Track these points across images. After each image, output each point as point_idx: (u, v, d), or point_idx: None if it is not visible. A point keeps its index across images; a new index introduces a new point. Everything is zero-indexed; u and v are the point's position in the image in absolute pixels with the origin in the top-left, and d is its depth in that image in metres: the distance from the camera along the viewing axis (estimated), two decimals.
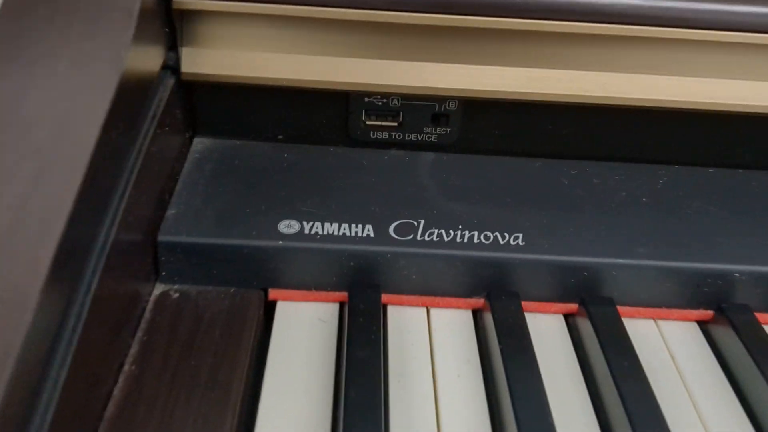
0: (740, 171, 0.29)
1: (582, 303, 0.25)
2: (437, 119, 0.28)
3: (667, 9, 0.25)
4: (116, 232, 0.20)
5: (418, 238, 0.25)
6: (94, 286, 0.19)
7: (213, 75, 0.26)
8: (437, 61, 0.27)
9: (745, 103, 0.27)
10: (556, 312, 0.25)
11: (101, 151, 0.19)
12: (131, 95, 0.21)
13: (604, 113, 0.28)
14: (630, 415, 0.21)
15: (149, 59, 0.23)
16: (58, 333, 0.18)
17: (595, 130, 0.28)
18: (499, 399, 0.22)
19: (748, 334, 0.24)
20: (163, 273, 0.24)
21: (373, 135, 0.29)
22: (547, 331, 0.25)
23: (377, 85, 0.27)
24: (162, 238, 0.24)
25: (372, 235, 0.25)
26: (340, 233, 0.25)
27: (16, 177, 0.18)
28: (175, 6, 0.24)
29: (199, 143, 0.28)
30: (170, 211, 0.25)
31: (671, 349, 0.25)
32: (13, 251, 0.16)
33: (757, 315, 0.25)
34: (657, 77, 0.27)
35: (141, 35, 0.22)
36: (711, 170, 0.29)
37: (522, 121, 0.28)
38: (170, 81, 0.26)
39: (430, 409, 0.22)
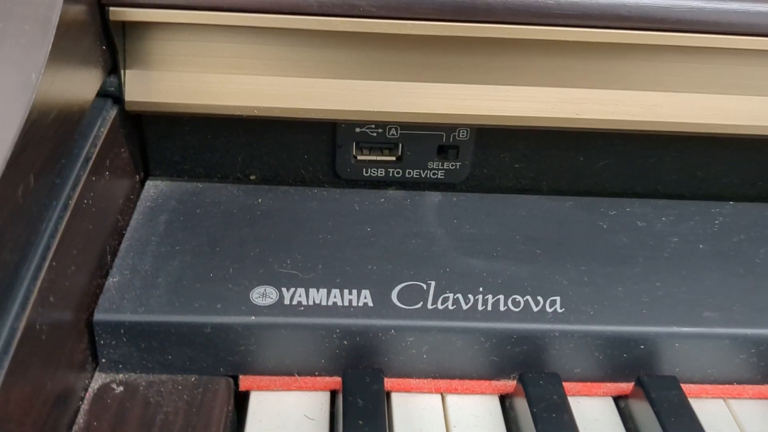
0: None
1: (639, 383, 0.19)
2: (445, 152, 0.23)
3: (734, 12, 0.20)
4: (28, 316, 0.15)
5: (429, 306, 0.19)
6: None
7: (166, 104, 0.21)
8: (444, 82, 0.22)
9: None
10: (605, 394, 0.20)
11: (32, 206, 0.14)
12: (48, 133, 0.16)
13: (649, 141, 0.23)
14: None
15: (78, 85, 0.18)
16: None
17: (637, 162, 0.23)
18: None
19: None
20: (103, 360, 0.19)
21: (367, 172, 0.24)
22: (596, 417, 0.20)
23: (370, 112, 0.22)
24: (99, 317, 0.18)
25: (370, 303, 0.19)
26: (330, 303, 0.19)
27: None
28: (113, 17, 0.19)
29: (152, 187, 0.23)
30: (111, 279, 0.19)
31: None
32: None
33: None
34: (712, 97, 0.22)
35: (63, 54, 0.17)
36: None
37: (549, 152, 0.23)
38: (111, 112, 0.20)
39: None
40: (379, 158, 0.23)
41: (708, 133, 0.22)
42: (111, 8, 0.19)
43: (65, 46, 0.17)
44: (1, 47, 0.15)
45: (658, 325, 0.19)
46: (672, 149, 0.23)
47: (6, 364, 0.15)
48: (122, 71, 0.20)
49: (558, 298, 0.20)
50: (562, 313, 0.20)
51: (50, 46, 0.16)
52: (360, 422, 0.18)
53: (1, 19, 0.16)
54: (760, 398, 0.21)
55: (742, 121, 0.22)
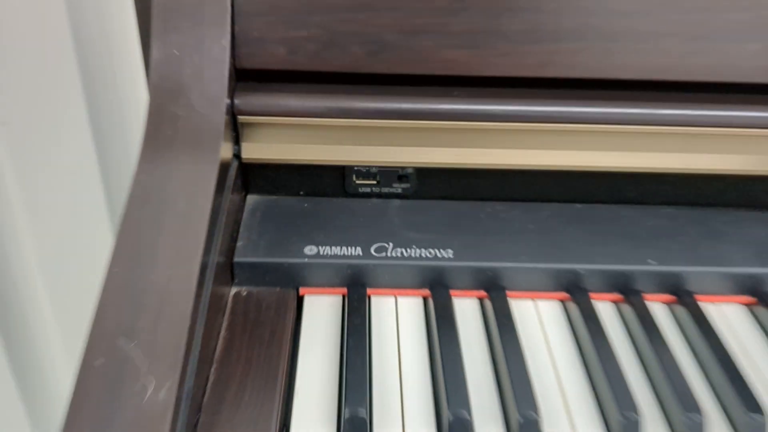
0: (599, 205, 0.46)
1: (486, 290, 0.41)
2: (401, 178, 0.45)
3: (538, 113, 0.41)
4: (217, 258, 0.37)
5: (389, 254, 0.41)
6: (210, 289, 0.35)
7: (260, 159, 0.43)
8: (399, 146, 0.43)
9: (592, 165, 0.43)
10: (472, 297, 0.41)
11: (214, 209, 0.35)
12: (222, 173, 0.38)
13: (511, 174, 0.44)
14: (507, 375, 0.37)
15: (228, 152, 0.40)
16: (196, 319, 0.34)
17: (503, 184, 0.45)
18: (434, 361, 0.38)
19: (585, 308, 0.40)
20: (236, 280, 0.40)
21: (360, 189, 0.45)
22: (467, 310, 0.41)
23: (363, 161, 0.43)
24: (236, 259, 0.40)
25: (360, 254, 0.41)
26: (341, 253, 0.41)
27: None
28: (239, 120, 0.41)
29: (251, 199, 0.45)
30: (239, 243, 0.41)
31: (542, 319, 0.41)
32: (179, 257, 0.33)
33: (595, 295, 0.41)
34: (547, 151, 0.43)
35: (225, 141, 0.38)
36: (578, 206, 0.46)
37: (456, 179, 0.45)
38: (236, 163, 0.42)
39: (394, 371, 0.37)
40: (367, 182, 0.45)
41: (539, 170, 0.43)
42: (239, 116, 0.41)
43: (225, 139, 0.38)
44: (202, 148, 0.37)
45: (498, 262, 0.41)
46: (522, 177, 0.44)
47: (212, 279, 0.36)
48: (241, 143, 0.42)
49: (451, 250, 0.41)
50: (452, 257, 0.41)
51: (222, 140, 0.37)
52: (355, 306, 0.39)
53: (197, 135, 0.37)
54: (551, 299, 0.42)
55: (550, 164, 0.43)
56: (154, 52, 0.38)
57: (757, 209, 0.46)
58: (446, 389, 0.33)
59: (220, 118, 0.38)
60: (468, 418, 0.32)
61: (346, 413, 0.32)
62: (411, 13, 0.40)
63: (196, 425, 0.31)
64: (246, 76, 0.41)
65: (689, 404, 0.33)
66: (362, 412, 0.32)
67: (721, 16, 0.41)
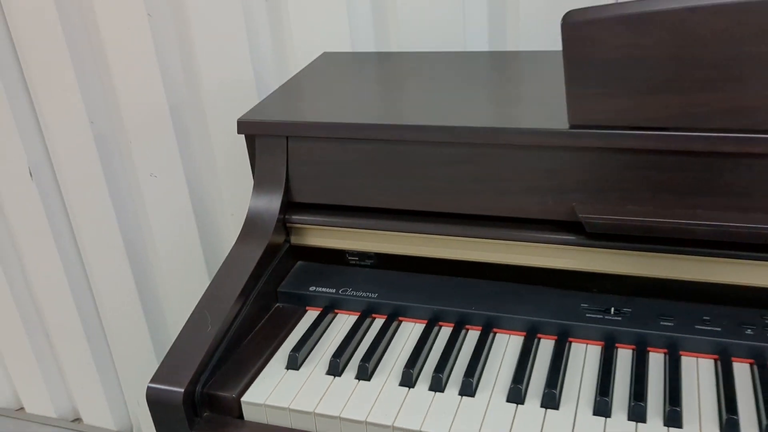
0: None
1: (389, 316, 0.81)
2: (369, 257, 0.87)
3: None
4: (261, 288, 0.82)
5: (348, 293, 0.83)
6: (251, 303, 0.81)
7: (301, 245, 0.88)
8: (366, 241, 0.86)
9: None
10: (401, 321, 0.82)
11: (258, 267, 0.81)
12: (272, 250, 0.84)
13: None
14: None
15: (281, 241, 0.86)
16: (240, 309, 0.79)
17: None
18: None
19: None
20: (279, 300, 0.85)
21: (350, 261, 0.88)
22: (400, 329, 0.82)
23: (351, 248, 0.87)
24: (279, 289, 0.85)
25: (333, 291, 0.84)
26: (327, 291, 0.84)
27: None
28: (287, 224, 0.87)
29: (297, 264, 0.90)
30: (283, 282, 0.86)
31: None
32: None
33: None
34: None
35: (275, 236, 0.84)
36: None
37: (399, 261, 0.86)
38: (287, 246, 0.88)
39: None
40: (352, 258, 0.88)
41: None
42: (287, 224, 0.87)
43: (274, 236, 0.85)
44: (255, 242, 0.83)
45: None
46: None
47: (254, 297, 0.81)
48: (290, 236, 0.88)
49: (377, 294, 0.82)
50: (375, 297, 0.82)
51: (270, 237, 0.83)
52: (323, 317, 0.82)
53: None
54: None
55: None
56: (252, 201, 0.86)
57: None
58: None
59: (272, 225, 0.84)
60: None
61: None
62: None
63: (231, 349, 0.77)
64: (295, 204, 0.87)
65: None
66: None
67: None
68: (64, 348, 1.69)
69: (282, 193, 0.85)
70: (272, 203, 0.85)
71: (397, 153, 0.80)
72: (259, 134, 0.85)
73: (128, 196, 1.43)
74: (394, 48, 1.15)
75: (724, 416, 0.63)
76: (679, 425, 0.63)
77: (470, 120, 0.77)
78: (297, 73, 1.00)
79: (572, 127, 0.73)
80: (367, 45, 1.16)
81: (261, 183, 0.85)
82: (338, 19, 1.14)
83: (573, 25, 0.70)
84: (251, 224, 0.84)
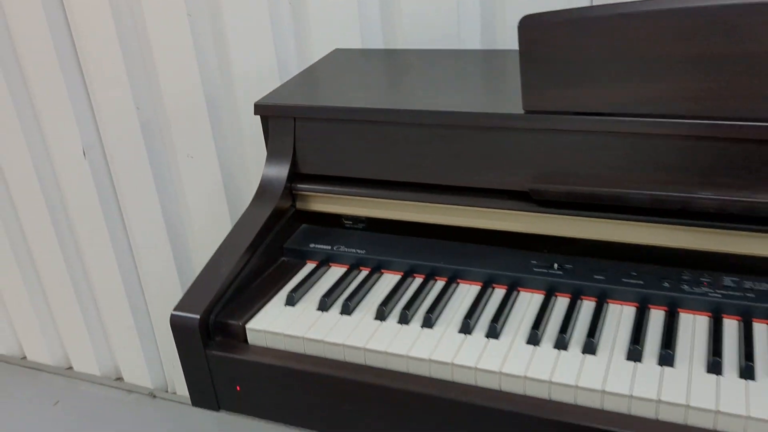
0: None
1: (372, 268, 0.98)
2: (361, 221, 1.03)
3: None
4: (269, 243, 0.99)
5: (336, 250, 0.99)
6: (259, 254, 0.97)
7: (305, 210, 1.05)
8: (358, 206, 1.02)
9: None
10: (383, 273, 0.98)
11: (265, 228, 0.98)
12: (279, 215, 1.00)
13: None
14: None
15: (287, 206, 1.03)
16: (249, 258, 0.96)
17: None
18: None
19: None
20: (285, 255, 1.02)
21: (346, 225, 1.04)
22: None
23: (346, 213, 1.03)
24: (285, 246, 1.02)
25: (329, 248, 1.00)
26: (323, 248, 1.00)
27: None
28: (294, 192, 1.04)
29: (302, 226, 1.06)
30: (288, 240, 1.03)
31: None
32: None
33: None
34: None
35: (282, 201, 1.01)
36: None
37: (386, 225, 1.02)
38: (292, 210, 1.04)
39: None
40: (348, 222, 1.04)
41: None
42: (293, 191, 1.03)
43: (281, 203, 1.01)
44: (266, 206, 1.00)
45: None
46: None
47: (262, 251, 0.98)
48: (296, 201, 1.05)
49: (364, 251, 0.98)
50: (364, 253, 0.98)
51: (276, 204, 1.00)
52: (319, 269, 0.99)
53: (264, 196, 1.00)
54: None
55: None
56: (264, 170, 1.02)
57: None
58: None
59: (280, 191, 1.01)
60: None
61: None
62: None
63: (242, 290, 0.94)
64: (300, 175, 1.04)
65: None
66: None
67: None
68: (109, 312, 1.89)
69: (289, 166, 1.01)
70: (281, 173, 1.01)
71: (385, 133, 0.96)
72: (271, 116, 1.02)
73: (168, 175, 1.62)
74: (400, 45, 1.31)
75: (630, 347, 0.77)
76: (593, 352, 0.78)
77: (444, 106, 0.93)
78: (309, 66, 1.17)
79: (526, 112, 0.88)
80: (376, 43, 1.32)
81: (272, 157, 1.02)
82: (350, 19, 1.30)
83: (527, 27, 0.85)
84: (263, 191, 1.01)
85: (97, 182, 1.70)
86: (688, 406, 0.69)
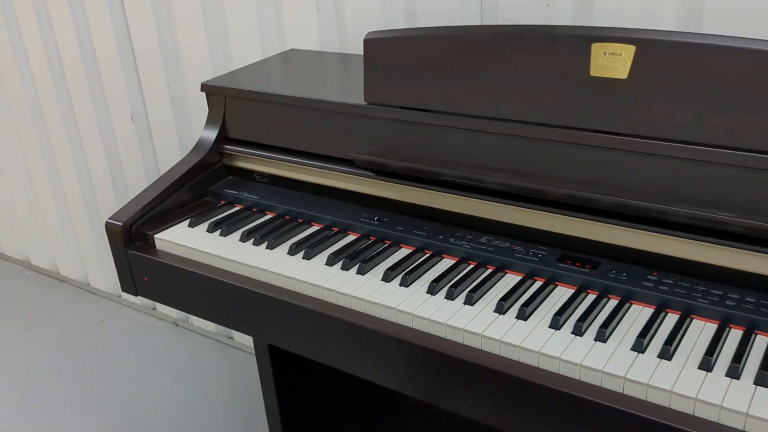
0: None
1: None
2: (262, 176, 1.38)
3: None
4: (192, 183, 1.36)
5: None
6: (184, 188, 1.34)
7: (228, 165, 1.41)
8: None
9: None
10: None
11: (190, 173, 1.35)
12: (206, 165, 1.37)
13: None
14: None
15: (215, 160, 1.39)
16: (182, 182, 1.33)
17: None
18: None
19: None
20: (209, 190, 1.38)
21: (256, 179, 1.39)
22: None
23: (255, 169, 1.38)
24: (210, 188, 1.38)
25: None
26: (240, 197, 1.36)
27: None
28: (221, 150, 1.40)
29: (227, 177, 1.42)
30: (214, 185, 1.39)
31: None
32: None
33: None
34: None
35: (209, 155, 1.38)
36: None
37: (284, 181, 1.36)
38: (219, 164, 1.40)
39: None
40: (258, 176, 1.39)
41: None
42: (221, 150, 1.40)
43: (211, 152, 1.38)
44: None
45: None
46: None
47: (187, 183, 1.35)
48: (223, 158, 1.41)
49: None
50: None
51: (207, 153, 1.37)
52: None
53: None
54: None
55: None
56: (202, 133, 1.39)
57: None
58: None
59: (208, 147, 1.37)
60: None
61: None
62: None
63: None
64: (228, 139, 1.40)
65: None
66: None
67: None
68: None
69: (218, 130, 1.38)
70: (212, 135, 1.38)
71: (284, 112, 1.30)
72: (209, 93, 1.39)
73: (189, 138, 2.04)
74: (350, 50, 1.64)
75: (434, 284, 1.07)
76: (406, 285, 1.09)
77: (317, 95, 1.26)
78: (261, 60, 1.53)
79: (368, 103, 1.20)
80: (333, 46, 1.66)
81: (208, 123, 1.39)
82: (310, 24, 1.65)
83: (368, 41, 1.18)
84: (197, 147, 1.38)
85: (141, 144, 2.15)
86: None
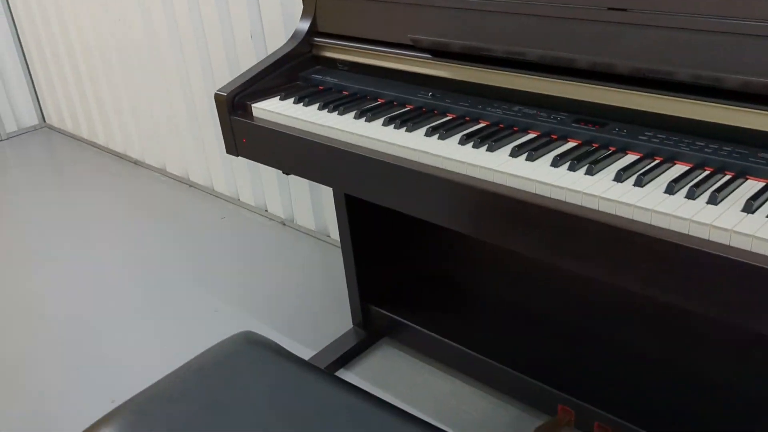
0: None
1: None
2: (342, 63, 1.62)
3: None
4: (291, 65, 1.63)
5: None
6: (284, 68, 1.61)
7: (318, 55, 1.66)
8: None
9: None
10: None
11: (287, 57, 1.62)
12: (298, 55, 1.64)
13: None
14: None
15: (306, 50, 1.65)
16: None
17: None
18: None
19: None
20: (300, 74, 1.65)
21: (339, 67, 1.64)
22: None
23: (342, 59, 1.63)
24: (299, 74, 1.65)
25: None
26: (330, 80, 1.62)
27: None
28: (311, 42, 1.66)
29: (316, 66, 1.68)
30: (300, 74, 1.66)
31: None
32: None
33: None
34: None
35: (301, 46, 1.64)
36: None
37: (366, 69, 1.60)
38: (309, 54, 1.66)
39: None
40: (342, 65, 1.64)
41: None
42: (313, 42, 1.66)
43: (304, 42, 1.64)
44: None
45: None
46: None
47: (289, 65, 1.62)
48: (313, 48, 1.67)
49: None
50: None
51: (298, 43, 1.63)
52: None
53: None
54: None
55: None
56: (297, 26, 1.66)
57: None
58: None
59: (300, 38, 1.64)
60: None
61: None
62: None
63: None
64: (319, 33, 1.65)
65: None
66: None
67: None
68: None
69: (309, 24, 1.64)
70: (304, 27, 1.64)
71: (366, 6, 1.54)
72: None
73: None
74: None
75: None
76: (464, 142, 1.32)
77: None
78: None
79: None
80: None
81: (303, 17, 1.66)
82: None
83: None
84: (293, 37, 1.65)
85: (258, 57, 2.47)
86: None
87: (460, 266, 1.97)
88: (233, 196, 2.97)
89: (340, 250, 2.49)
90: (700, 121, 1.11)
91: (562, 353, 1.72)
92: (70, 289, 2.42)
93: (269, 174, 2.68)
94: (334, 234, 2.53)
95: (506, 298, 1.90)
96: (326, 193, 2.51)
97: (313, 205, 2.58)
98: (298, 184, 2.59)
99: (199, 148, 2.96)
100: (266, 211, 2.83)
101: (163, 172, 3.29)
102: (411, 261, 2.06)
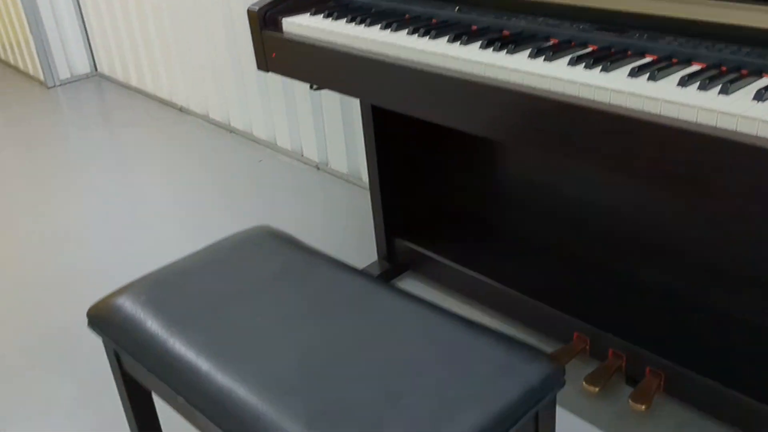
0: None
1: None
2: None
3: None
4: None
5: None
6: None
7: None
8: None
9: None
10: None
11: None
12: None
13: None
14: None
15: None
16: None
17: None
18: None
19: None
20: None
21: None
22: None
23: None
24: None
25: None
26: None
27: None
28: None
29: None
30: None
31: None
32: None
33: None
34: None
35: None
36: None
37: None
38: None
39: None
40: None
41: None
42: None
43: None
44: None
45: None
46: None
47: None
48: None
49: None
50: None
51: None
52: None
53: None
54: None
55: None
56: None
57: None
58: None
59: None
60: None
61: None
62: None
63: None
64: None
65: None
66: None
67: None
68: (304, 106, 2.72)
69: None
70: None
71: None
72: None
73: None
74: None
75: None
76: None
77: None
78: None
79: None
80: None
81: None
82: None
83: None
84: None
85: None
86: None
87: (483, 202, 1.99)
88: (271, 141, 3.02)
89: (368, 192, 2.53)
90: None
91: (580, 284, 1.72)
92: (114, 219, 2.52)
93: (306, 119, 2.73)
94: (366, 177, 2.56)
95: (526, 232, 1.91)
96: (359, 137, 2.54)
97: (347, 149, 2.61)
98: (333, 127, 2.62)
99: (240, 95, 3.02)
100: (302, 156, 2.88)
101: (206, 118, 3.37)
102: (435, 196, 2.08)
